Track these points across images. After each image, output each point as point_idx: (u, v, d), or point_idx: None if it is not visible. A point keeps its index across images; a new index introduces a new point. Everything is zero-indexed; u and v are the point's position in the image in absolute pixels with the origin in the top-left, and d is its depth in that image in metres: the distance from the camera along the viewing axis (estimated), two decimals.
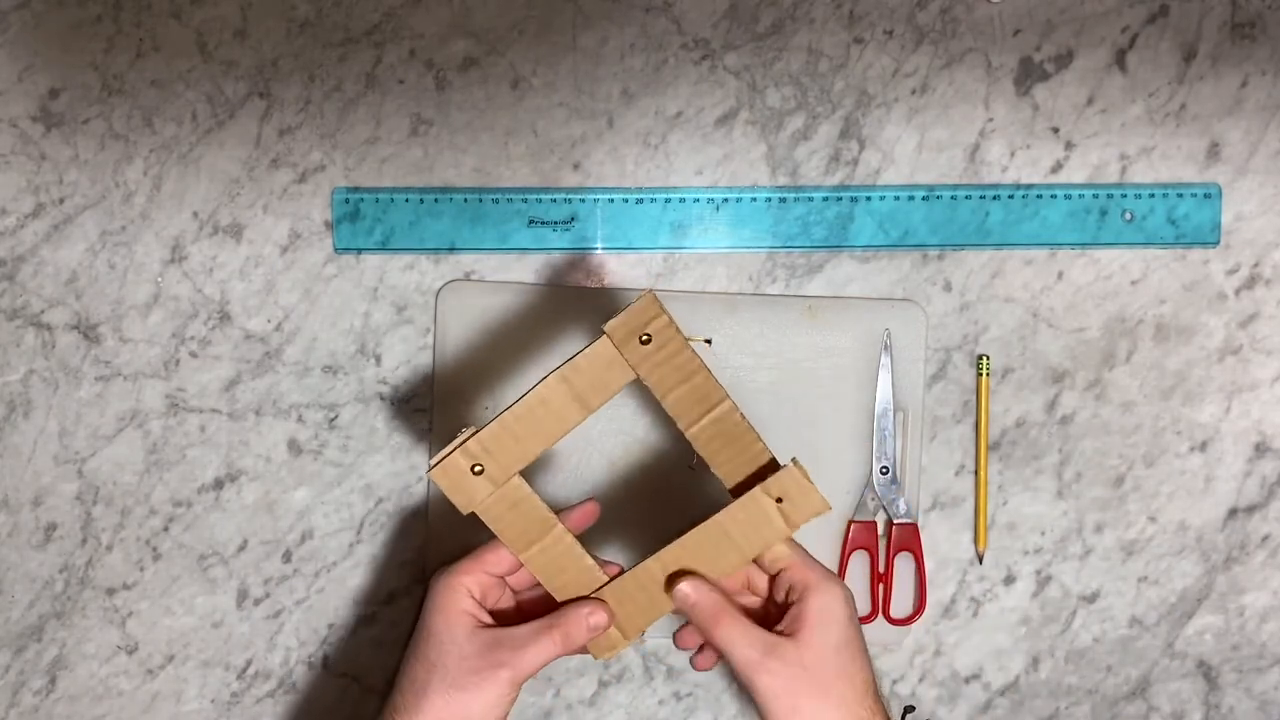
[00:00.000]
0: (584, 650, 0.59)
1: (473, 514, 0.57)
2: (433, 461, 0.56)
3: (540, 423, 0.56)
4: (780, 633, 0.56)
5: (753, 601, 0.60)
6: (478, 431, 0.55)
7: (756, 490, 0.56)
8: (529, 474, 0.56)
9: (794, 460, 0.56)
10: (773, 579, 0.59)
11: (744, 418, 0.56)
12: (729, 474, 0.57)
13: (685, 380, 0.55)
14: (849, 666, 0.56)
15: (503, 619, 0.59)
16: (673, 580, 0.57)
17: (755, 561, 0.58)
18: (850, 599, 0.57)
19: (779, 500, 0.56)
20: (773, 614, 0.58)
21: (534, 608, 0.59)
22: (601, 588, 0.58)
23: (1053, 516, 0.70)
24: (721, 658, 0.58)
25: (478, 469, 0.56)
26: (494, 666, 0.55)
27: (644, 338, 0.54)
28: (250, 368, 0.68)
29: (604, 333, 0.54)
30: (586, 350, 0.55)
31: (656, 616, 0.58)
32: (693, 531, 0.57)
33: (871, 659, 0.57)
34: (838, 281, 0.69)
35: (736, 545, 0.57)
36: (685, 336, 0.55)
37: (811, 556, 0.58)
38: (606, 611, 0.58)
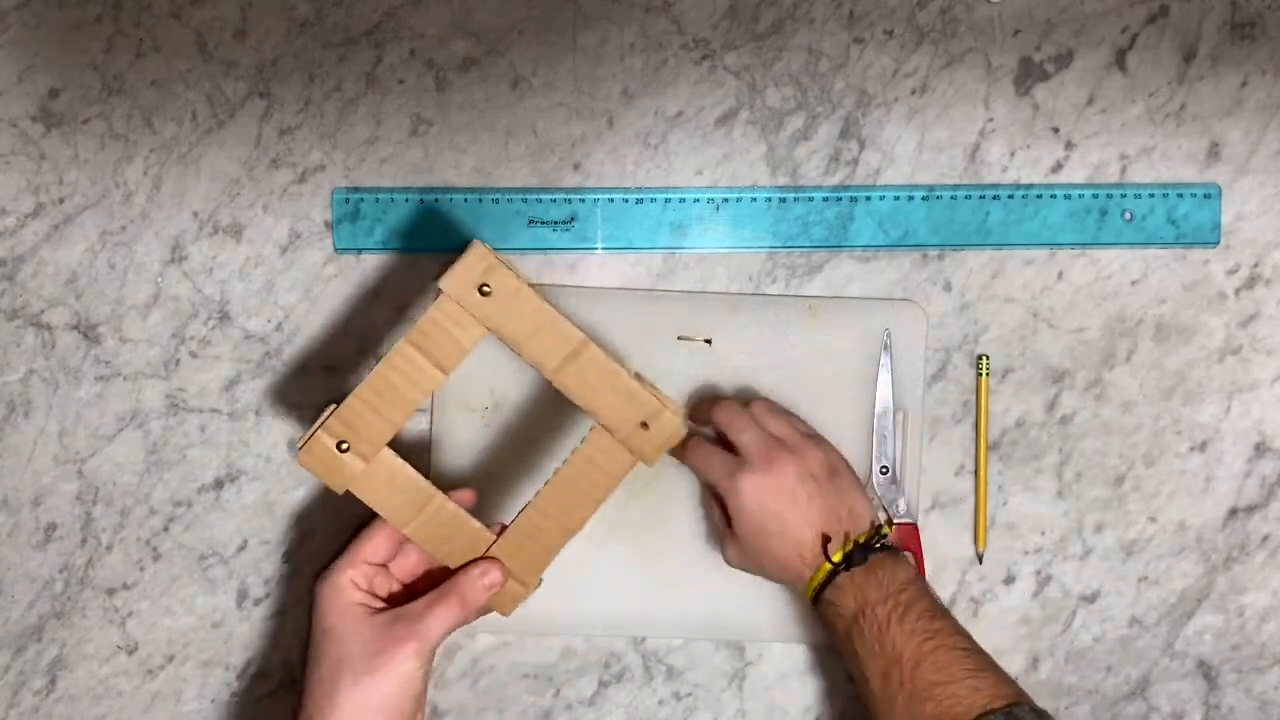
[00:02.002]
0: (488, 610, 0.60)
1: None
2: (298, 445, 0.56)
3: (398, 391, 0.56)
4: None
5: None
6: (336, 408, 0.56)
7: (610, 418, 0.57)
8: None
9: (637, 374, 0.58)
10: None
11: (605, 352, 0.57)
12: (602, 410, 0.57)
13: (536, 326, 0.56)
14: (771, 543, 0.61)
15: (395, 603, 0.59)
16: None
17: (716, 427, 0.64)
18: (753, 489, 0.61)
19: (644, 425, 0.57)
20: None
21: (425, 587, 0.59)
22: (490, 547, 0.59)
23: (1053, 516, 0.70)
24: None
25: (344, 446, 0.56)
26: (397, 642, 0.56)
27: (484, 289, 0.55)
28: (250, 368, 0.68)
29: (441, 291, 0.55)
30: (429, 312, 0.56)
31: (550, 559, 0.59)
32: (561, 470, 0.58)
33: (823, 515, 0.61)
34: (838, 281, 0.69)
35: (604, 472, 0.58)
36: (528, 282, 0.56)
37: (768, 430, 0.63)
38: (499, 568, 0.58)
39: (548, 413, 0.68)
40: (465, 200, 0.68)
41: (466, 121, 0.68)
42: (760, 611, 0.68)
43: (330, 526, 0.69)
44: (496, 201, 0.68)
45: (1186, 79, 0.69)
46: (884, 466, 0.68)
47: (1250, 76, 0.69)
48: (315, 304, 0.68)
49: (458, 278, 0.55)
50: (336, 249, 0.68)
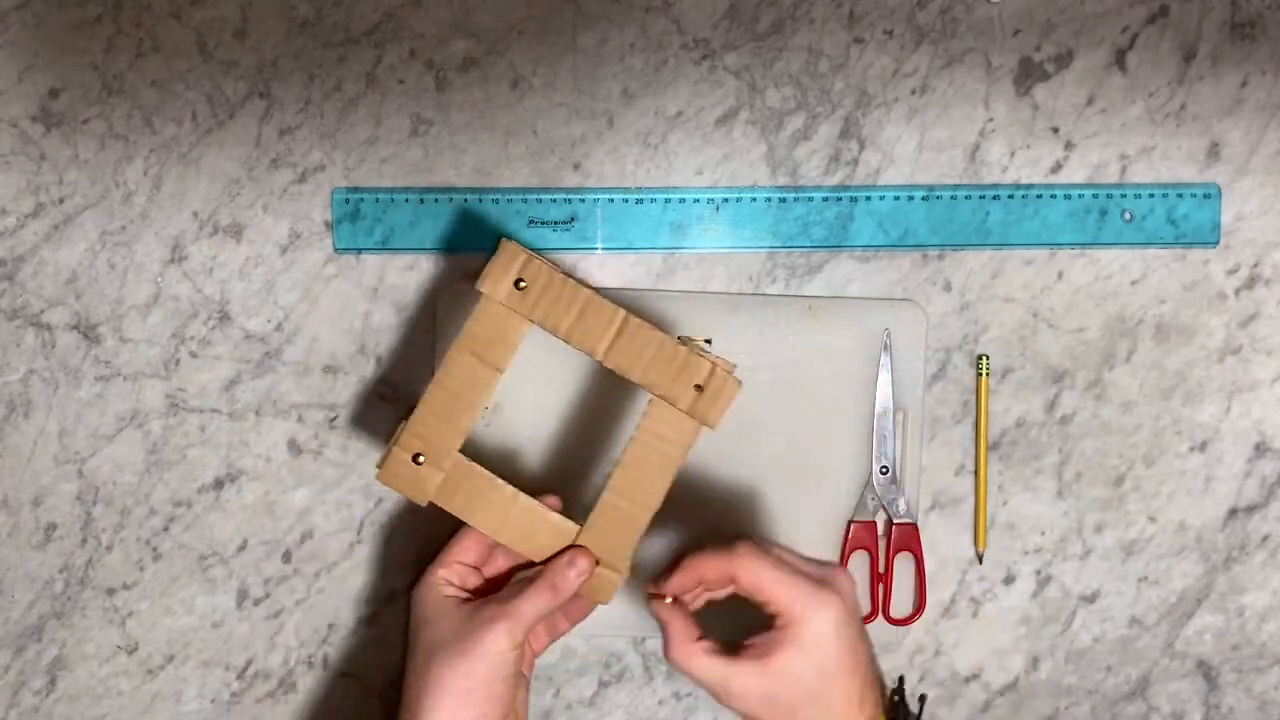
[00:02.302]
0: (588, 608, 0.61)
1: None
2: (377, 465, 0.57)
3: (459, 396, 0.57)
4: (752, 646, 0.56)
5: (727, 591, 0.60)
6: (404, 423, 0.57)
7: (667, 388, 0.57)
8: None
9: (680, 339, 0.58)
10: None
11: (648, 323, 0.57)
12: (656, 381, 0.58)
13: (577, 310, 0.57)
14: (826, 692, 0.55)
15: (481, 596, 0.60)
16: (650, 600, 0.59)
17: (737, 584, 0.58)
18: (840, 616, 0.56)
19: (698, 388, 0.58)
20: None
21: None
22: (576, 538, 0.59)
23: (1053, 516, 0.70)
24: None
25: (419, 459, 0.57)
26: (486, 622, 0.56)
27: (519, 283, 0.57)
28: (250, 368, 0.68)
29: (481, 293, 0.57)
30: (473, 315, 0.57)
31: (635, 540, 0.59)
32: (629, 449, 0.58)
33: (869, 655, 0.57)
34: (838, 281, 0.69)
35: (671, 443, 0.58)
36: (561, 271, 0.57)
37: (798, 571, 0.57)
38: (586, 555, 0.58)
39: (549, 412, 0.68)
40: (465, 200, 0.68)
41: (466, 121, 0.68)
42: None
43: (331, 526, 0.69)
44: (496, 201, 0.68)
45: (1186, 79, 0.69)
46: (884, 466, 0.68)
47: (1250, 76, 0.69)
48: (315, 304, 0.68)
49: (493, 278, 0.57)
50: (336, 249, 0.68)
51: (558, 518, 0.59)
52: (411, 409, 0.58)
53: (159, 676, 0.69)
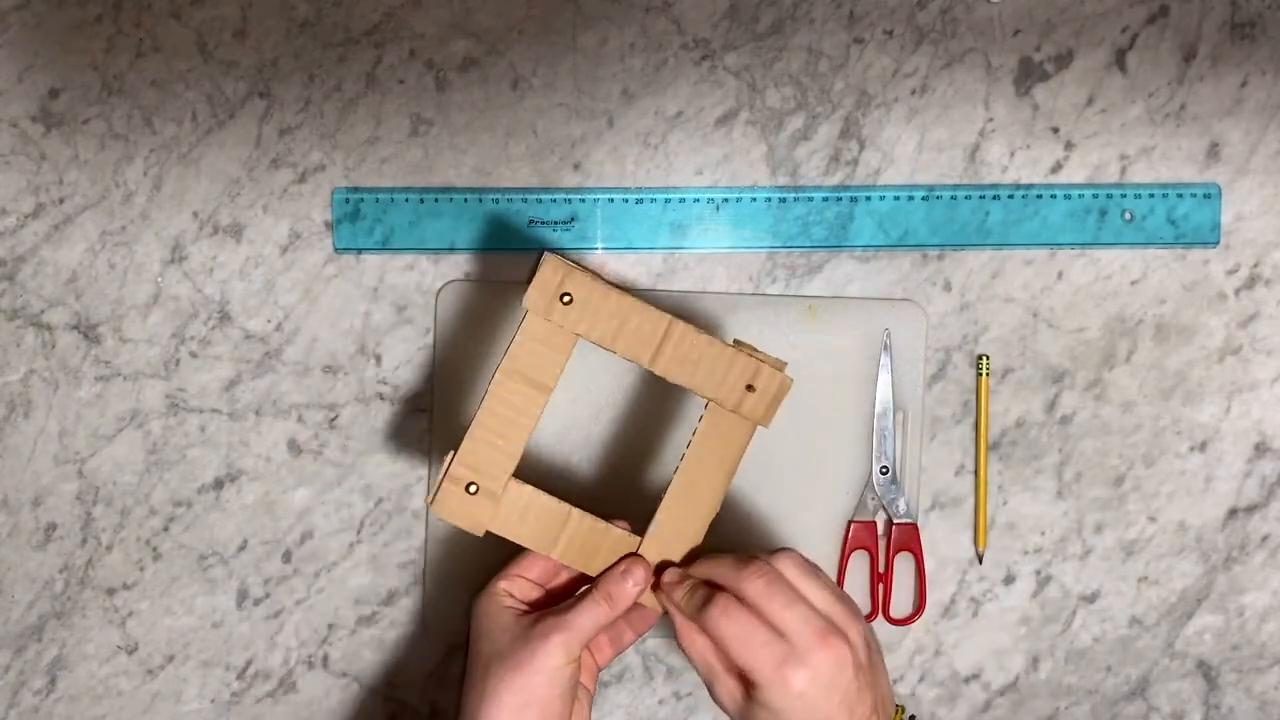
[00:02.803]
0: (650, 620, 0.60)
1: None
2: (429, 499, 0.56)
3: (509, 421, 0.56)
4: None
5: None
6: (455, 454, 0.56)
7: (718, 391, 0.57)
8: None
9: (736, 341, 0.57)
10: None
11: (701, 331, 0.57)
12: (706, 384, 0.57)
13: (625, 322, 0.56)
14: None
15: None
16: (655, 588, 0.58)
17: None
18: (804, 687, 0.52)
19: (750, 388, 0.57)
20: None
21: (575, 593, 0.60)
22: (639, 549, 0.58)
23: (1053, 516, 0.70)
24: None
25: (472, 488, 0.56)
26: (542, 636, 0.56)
27: (565, 298, 0.55)
28: (250, 368, 0.68)
29: (526, 311, 0.55)
30: (517, 335, 0.56)
31: (698, 539, 0.58)
32: (686, 456, 0.58)
33: (868, 696, 0.54)
34: (838, 281, 0.69)
35: (727, 445, 0.58)
36: (604, 280, 0.56)
37: (776, 629, 0.53)
38: (642, 565, 0.58)
39: (549, 414, 0.68)
40: (465, 200, 0.68)
41: (466, 121, 0.68)
42: None
43: (331, 526, 0.69)
44: (496, 201, 0.68)
45: (1186, 79, 0.69)
46: (884, 466, 0.68)
47: (1250, 76, 0.69)
48: (315, 304, 0.68)
49: (538, 293, 0.55)
50: (336, 249, 0.68)
51: (619, 532, 0.58)
52: (457, 438, 0.57)
53: (159, 676, 0.69)
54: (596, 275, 0.56)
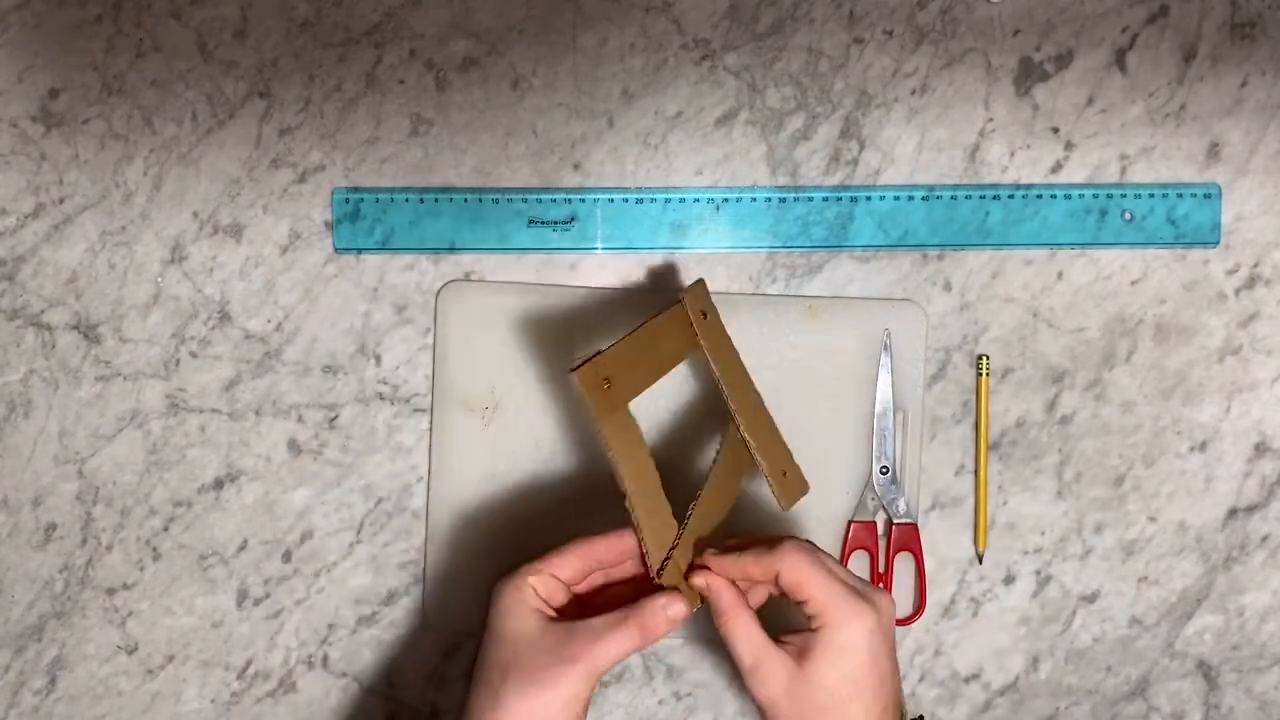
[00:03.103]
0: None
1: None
2: (573, 366, 0.55)
3: (659, 350, 0.59)
4: (787, 644, 0.56)
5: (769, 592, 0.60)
6: (606, 349, 0.56)
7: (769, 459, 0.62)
8: None
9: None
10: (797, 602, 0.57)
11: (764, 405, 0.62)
12: (764, 452, 0.62)
13: (729, 357, 0.61)
14: (847, 703, 0.55)
15: (568, 616, 0.58)
16: (694, 571, 0.58)
17: (778, 586, 0.57)
18: (875, 629, 0.55)
19: (784, 474, 0.62)
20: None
21: (601, 603, 0.58)
22: (677, 535, 0.58)
23: (1053, 516, 0.70)
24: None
25: (606, 384, 0.56)
26: (568, 660, 0.54)
27: (704, 313, 0.61)
28: (250, 368, 0.68)
29: (680, 300, 0.60)
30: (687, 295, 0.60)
31: (715, 537, 0.61)
32: (709, 482, 0.60)
33: (895, 679, 0.56)
34: (838, 281, 0.69)
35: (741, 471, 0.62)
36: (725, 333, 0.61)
37: (839, 578, 0.56)
38: (684, 601, 0.56)
39: (549, 413, 0.68)
40: (465, 200, 0.68)
41: (466, 121, 0.68)
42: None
43: (331, 526, 0.69)
44: (496, 201, 0.68)
45: (1186, 79, 0.69)
46: (884, 466, 0.68)
47: (1250, 76, 0.69)
48: (315, 304, 0.68)
49: (694, 296, 0.61)
50: (336, 249, 0.68)
51: (669, 511, 0.58)
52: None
53: (159, 676, 0.69)
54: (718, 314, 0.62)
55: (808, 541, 0.58)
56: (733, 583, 0.57)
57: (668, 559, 0.57)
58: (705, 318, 0.61)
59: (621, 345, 0.57)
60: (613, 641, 0.55)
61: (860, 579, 0.58)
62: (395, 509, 0.69)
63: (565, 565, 0.58)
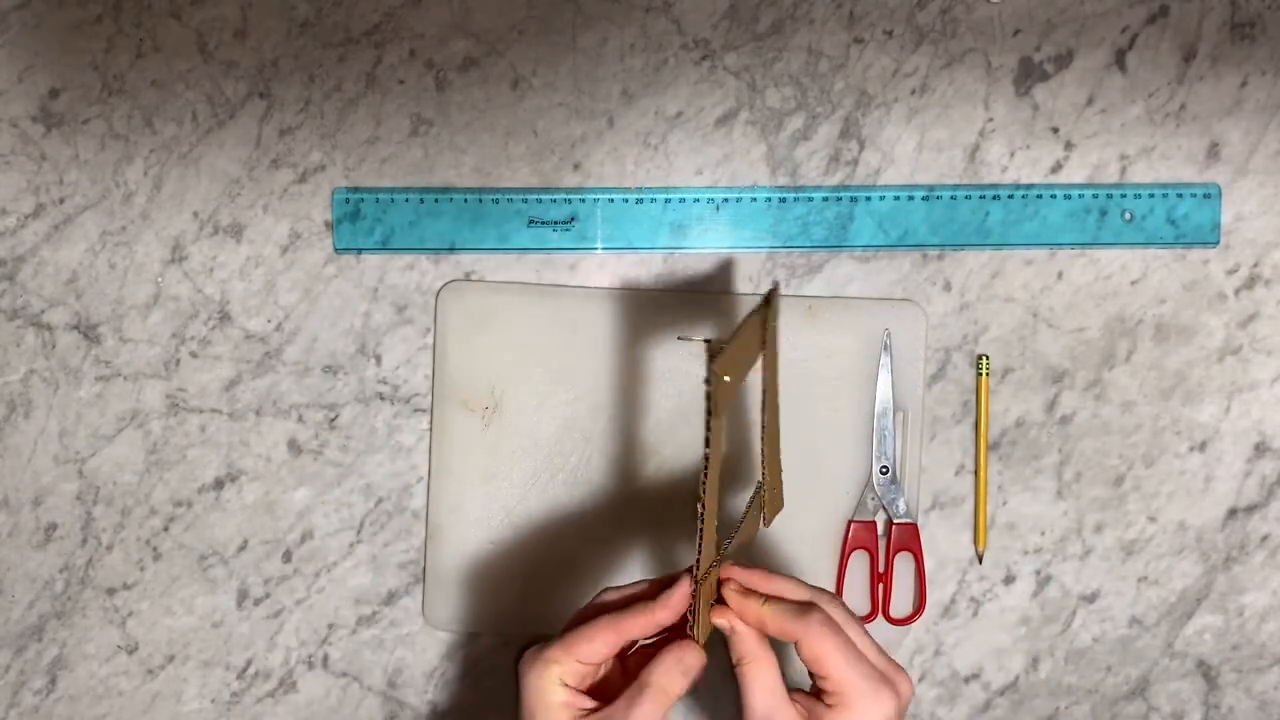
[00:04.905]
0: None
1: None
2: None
3: (740, 362, 0.54)
4: (797, 701, 0.54)
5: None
6: (727, 346, 0.53)
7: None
8: None
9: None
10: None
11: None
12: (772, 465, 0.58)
13: (776, 370, 0.57)
14: None
15: (597, 693, 0.55)
16: (716, 608, 0.56)
17: (799, 651, 0.54)
18: (892, 716, 0.52)
19: (776, 490, 0.58)
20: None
21: (631, 663, 0.56)
22: (711, 568, 0.56)
23: (1052, 516, 0.70)
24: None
25: (727, 379, 0.54)
26: None
27: (773, 323, 0.57)
28: (250, 368, 0.68)
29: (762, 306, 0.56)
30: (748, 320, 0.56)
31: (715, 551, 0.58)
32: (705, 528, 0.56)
33: None
34: (838, 281, 0.69)
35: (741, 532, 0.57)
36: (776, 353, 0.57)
37: (863, 659, 0.53)
38: (696, 653, 0.54)
39: (549, 414, 0.68)
40: (465, 200, 0.68)
41: (466, 121, 0.68)
42: None
43: (331, 526, 0.69)
44: (496, 201, 0.68)
45: (1186, 79, 0.69)
46: (884, 466, 0.68)
47: (1250, 76, 0.69)
48: (315, 304, 0.68)
49: (773, 305, 0.57)
50: (336, 249, 0.68)
51: (715, 535, 0.55)
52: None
53: (159, 676, 0.69)
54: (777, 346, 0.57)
55: (840, 606, 0.55)
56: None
57: (706, 574, 0.55)
58: (770, 326, 0.57)
59: (731, 344, 0.53)
60: (639, 715, 0.52)
61: (885, 655, 0.55)
62: (395, 509, 0.69)
63: (592, 651, 0.54)
